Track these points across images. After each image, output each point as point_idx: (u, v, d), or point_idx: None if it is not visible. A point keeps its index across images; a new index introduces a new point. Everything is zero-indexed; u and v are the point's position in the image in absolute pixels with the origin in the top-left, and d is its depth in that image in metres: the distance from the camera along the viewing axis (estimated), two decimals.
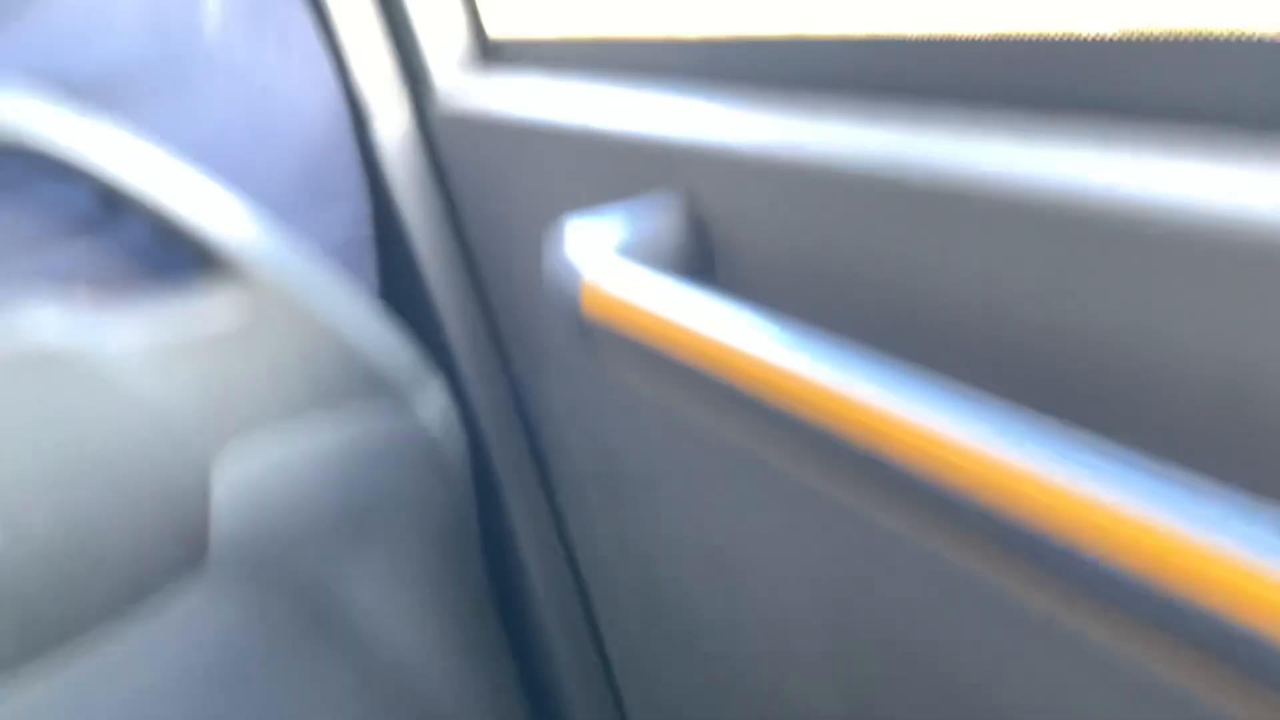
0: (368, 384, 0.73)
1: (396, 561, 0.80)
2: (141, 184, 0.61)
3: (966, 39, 0.41)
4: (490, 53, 0.79)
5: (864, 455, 0.33)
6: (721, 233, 0.51)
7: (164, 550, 0.69)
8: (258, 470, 0.70)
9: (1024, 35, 0.38)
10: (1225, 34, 0.32)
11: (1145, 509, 0.24)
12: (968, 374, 0.40)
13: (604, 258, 0.45)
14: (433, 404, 0.76)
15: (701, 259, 0.51)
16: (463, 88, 0.78)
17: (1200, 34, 0.33)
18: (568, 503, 0.92)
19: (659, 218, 0.50)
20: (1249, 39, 0.31)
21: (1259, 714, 0.23)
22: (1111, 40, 0.35)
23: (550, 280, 0.48)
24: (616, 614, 0.95)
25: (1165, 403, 0.32)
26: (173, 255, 0.67)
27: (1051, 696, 0.44)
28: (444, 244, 0.84)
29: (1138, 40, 0.35)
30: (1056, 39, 0.37)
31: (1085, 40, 0.36)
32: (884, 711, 0.58)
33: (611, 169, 0.58)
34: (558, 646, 1.00)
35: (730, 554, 0.68)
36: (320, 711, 0.80)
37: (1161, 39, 0.34)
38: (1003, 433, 0.28)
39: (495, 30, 0.77)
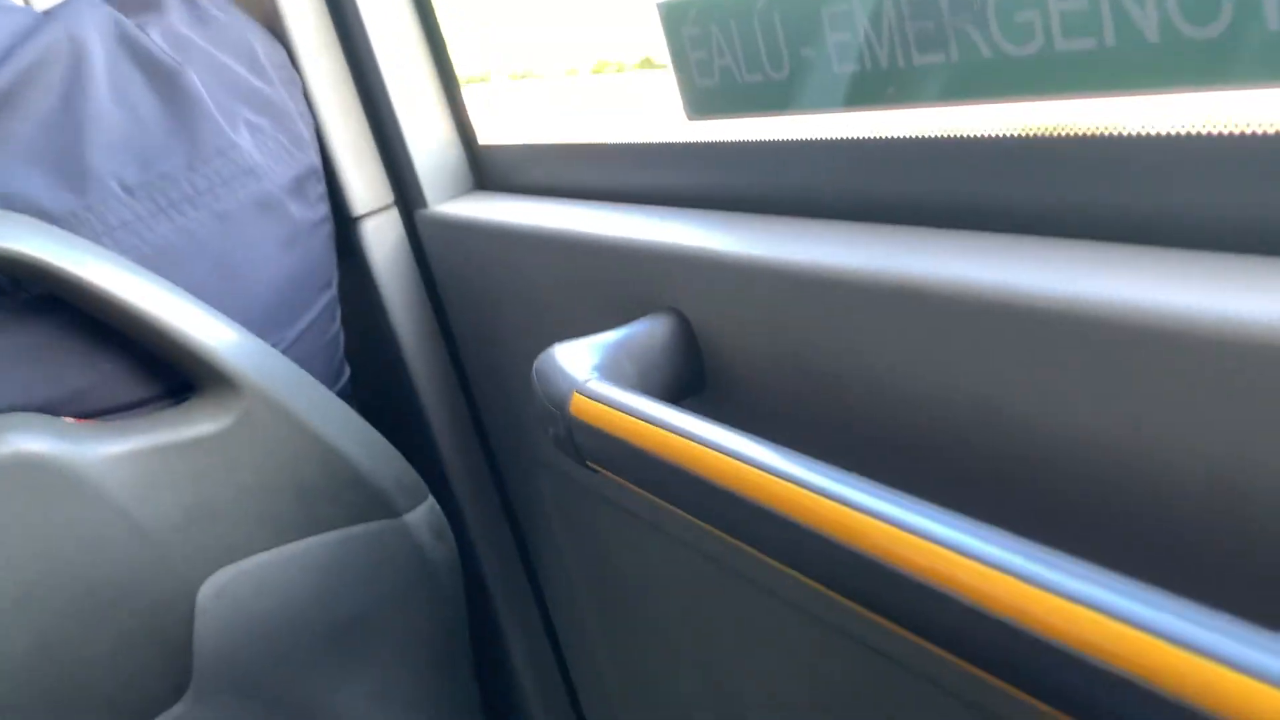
0: (358, 499, 0.71)
1: (385, 676, 0.78)
2: (128, 301, 0.61)
3: (957, 140, 0.41)
4: (481, 163, 0.79)
5: (837, 568, 0.32)
6: (710, 344, 0.50)
7: (149, 679, 0.66)
8: (245, 592, 0.68)
9: (1023, 134, 0.38)
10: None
11: (1156, 639, 0.23)
12: (959, 480, 0.39)
13: (591, 382, 0.45)
14: (423, 517, 0.75)
15: (691, 373, 0.51)
16: (453, 198, 0.79)
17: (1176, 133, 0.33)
18: (560, 614, 0.91)
19: (647, 337, 0.49)
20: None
21: None
22: (1095, 140, 0.35)
23: (538, 403, 0.48)
24: None
25: (1163, 505, 0.31)
26: (163, 373, 0.66)
27: None
28: (434, 354, 0.84)
29: (1121, 140, 0.34)
30: (1045, 139, 0.37)
31: (1070, 140, 0.36)
32: None
33: (600, 280, 0.58)
34: None
35: (724, 664, 0.66)
36: None
37: (1136, 138, 0.34)
38: (994, 553, 0.27)
39: (486, 137, 0.78)
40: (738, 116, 0.50)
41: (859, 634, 0.50)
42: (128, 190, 0.64)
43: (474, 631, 0.85)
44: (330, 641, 0.74)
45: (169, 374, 0.66)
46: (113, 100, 0.65)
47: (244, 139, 0.69)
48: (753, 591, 0.58)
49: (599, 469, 0.46)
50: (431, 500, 0.77)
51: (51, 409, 0.63)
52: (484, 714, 0.87)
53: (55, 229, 0.60)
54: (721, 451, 0.37)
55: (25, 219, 0.60)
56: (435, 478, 0.85)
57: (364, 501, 0.72)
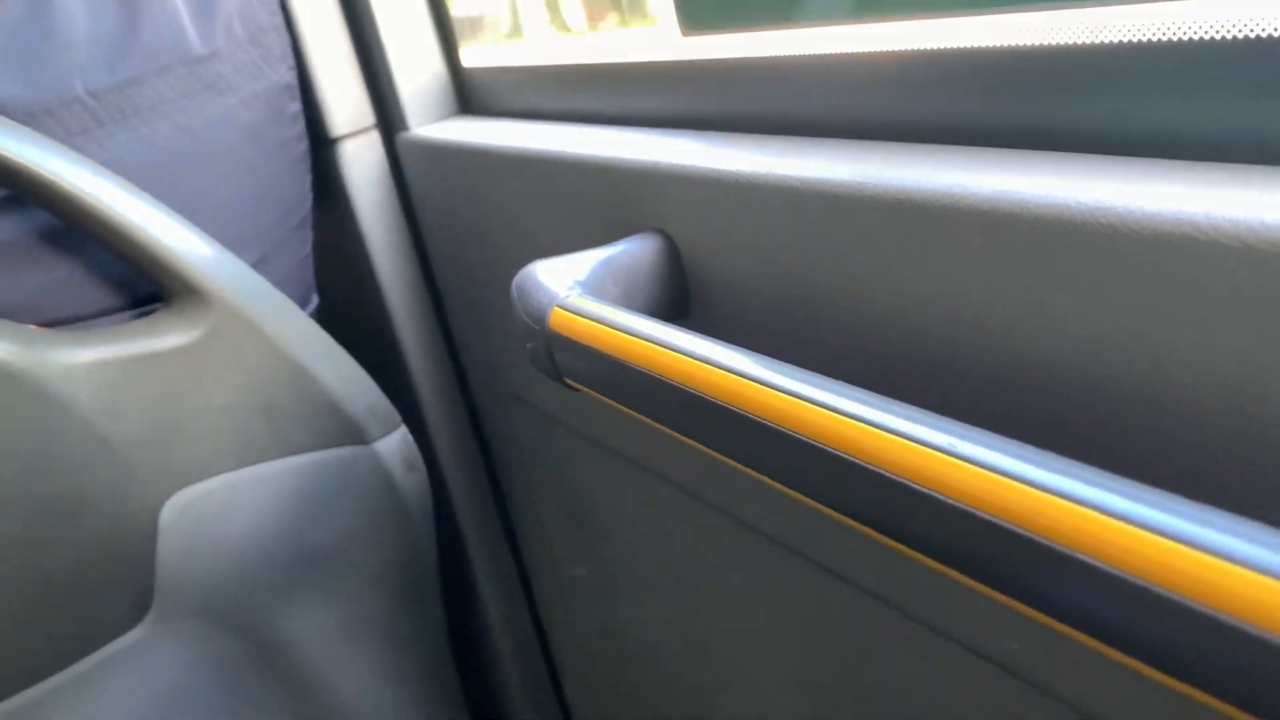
0: (328, 424, 0.70)
1: (351, 605, 0.77)
2: (96, 203, 0.59)
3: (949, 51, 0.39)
4: (466, 86, 0.77)
5: (826, 478, 0.31)
6: (696, 266, 0.49)
7: (109, 599, 0.65)
8: (209, 513, 0.67)
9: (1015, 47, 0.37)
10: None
11: (1144, 542, 0.22)
12: (953, 395, 0.38)
13: (572, 296, 0.44)
14: (394, 446, 0.74)
15: (677, 296, 0.50)
16: (435, 121, 0.77)
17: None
18: (530, 547, 0.90)
19: (632, 257, 0.48)
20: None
21: None
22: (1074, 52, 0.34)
23: (517, 319, 0.46)
24: (578, 663, 0.92)
25: (1156, 415, 0.31)
26: (130, 283, 0.64)
27: None
28: (410, 282, 0.82)
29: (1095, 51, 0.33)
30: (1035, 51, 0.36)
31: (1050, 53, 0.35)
32: None
33: (584, 202, 0.56)
34: (516, 695, 0.96)
35: (693, 595, 0.66)
36: None
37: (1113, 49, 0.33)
38: (995, 457, 0.26)
39: (470, 60, 0.76)
40: (735, 30, 0.48)
41: (829, 564, 0.50)
42: (92, 95, 0.62)
43: (443, 563, 0.84)
44: (296, 568, 0.73)
45: (134, 284, 0.64)
46: (81, 4, 0.63)
47: (214, 50, 0.67)
48: (723, 522, 0.57)
49: (577, 386, 0.45)
50: (404, 429, 0.75)
51: (11, 314, 0.61)
52: (451, 645, 0.87)
53: (20, 126, 0.58)
54: (706, 363, 0.36)
55: None
56: (408, 408, 0.84)
57: (334, 427, 0.71)
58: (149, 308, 0.64)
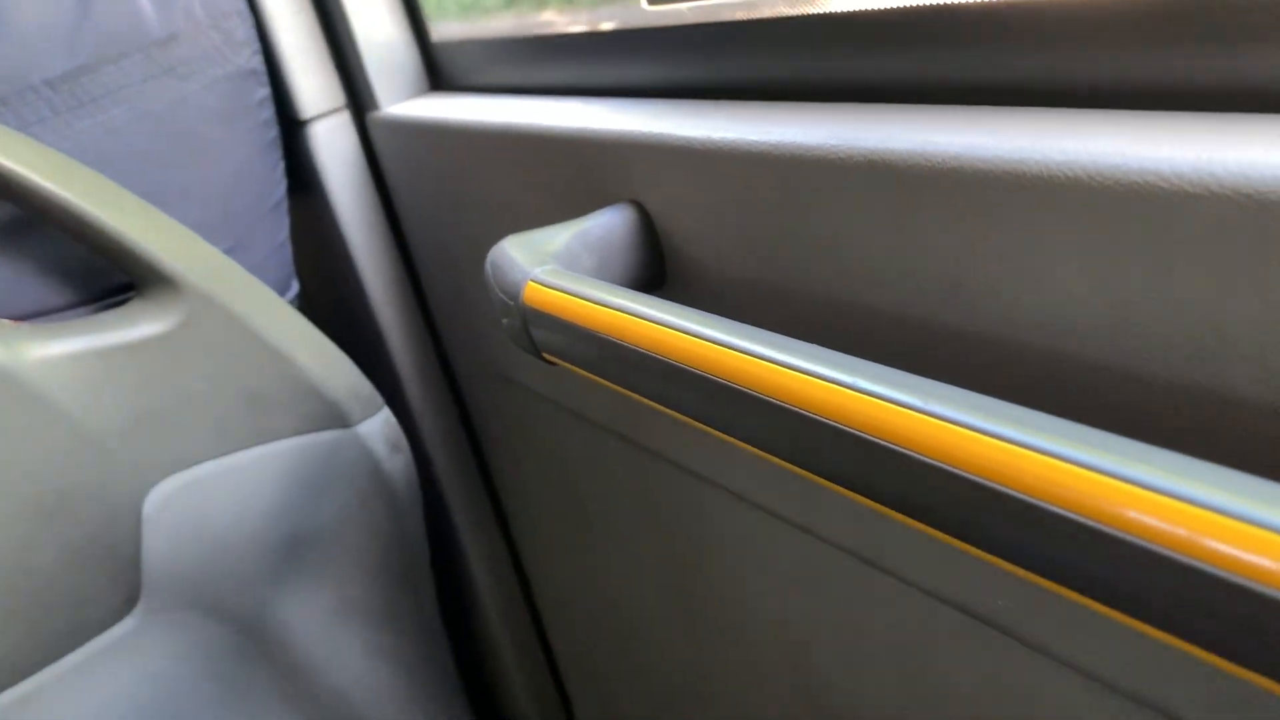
0: (309, 408, 0.70)
1: (342, 590, 0.77)
2: (59, 193, 0.58)
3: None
4: (436, 62, 0.76)
5: (810, 445, 0.31)
6: (670, 236, 0.49)
7: (98, 592, 0.65)
8: (193, 502, 0.66)
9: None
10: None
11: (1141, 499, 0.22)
12: (931, 358, 0.38)
13: (546, 270, 0.43)
14: (377, 428, 0.73)
15: (652, 266, 0.49)
16: (405, 98, 0.76)
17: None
18: (520, 527, 0.90)
19: (605, 229, 0.48)
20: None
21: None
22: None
23: (493, 295, 0.46)
24: (572, 641, 0.92)
25: (1136, 378, 0.30)
26: (101, 273, 0.63)
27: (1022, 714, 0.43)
28: (387, 263, 0.81)
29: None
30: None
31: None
32: None
33: (557, 176, 0.56)
34: (511, 676, 0.97)
35: (685, 570, 0.66)
36: None
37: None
38: (987, 422, 0.26)
39: (440, 33, 0.75)
40: None
41: (818, 531, 0.50)
42: (48, 83, 0.61)
43: (433, 544, 0.84)
44: (284, 554, 0.73)
45: (105, 274, 0.63)
46: None
47: (173, 33, 0.66)
48: (711, 494, 0.57)
49: (555, 360, 0.44)
50: (387, 411, 0.75)
51: None
52: (444, 627, 0.87)
53: None
54: (683, 333, 0.35)
55: None
56: (392, 390, 0.84)
57: (316, 411, 0.70)
58: (121, 298, 0.64)
